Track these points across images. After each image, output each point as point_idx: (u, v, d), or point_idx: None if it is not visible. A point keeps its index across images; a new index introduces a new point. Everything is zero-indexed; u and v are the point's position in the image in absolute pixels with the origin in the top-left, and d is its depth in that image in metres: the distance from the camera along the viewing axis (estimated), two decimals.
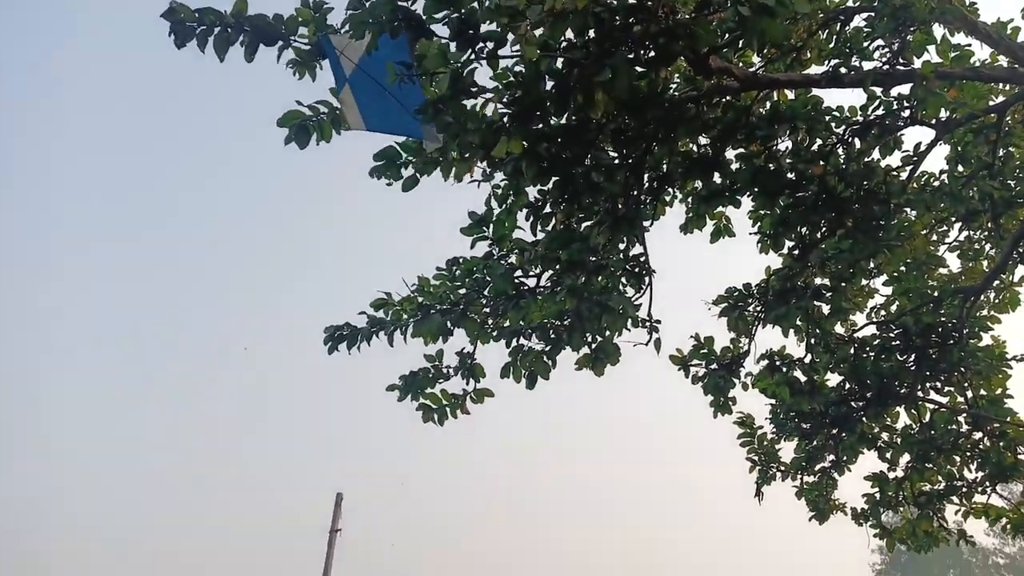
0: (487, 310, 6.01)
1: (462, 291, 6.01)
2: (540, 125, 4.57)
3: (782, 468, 8.18)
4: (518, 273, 5.86)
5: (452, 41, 3.88)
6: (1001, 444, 7.44)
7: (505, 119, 4.28)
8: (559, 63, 4.08)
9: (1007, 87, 6.53)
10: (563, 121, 4.78)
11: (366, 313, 5.98)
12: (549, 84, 4.15)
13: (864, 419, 7.60)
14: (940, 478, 8.01)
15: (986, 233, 7.69)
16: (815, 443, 7.90)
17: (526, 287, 5.88)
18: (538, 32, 3.55)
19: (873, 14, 5.88)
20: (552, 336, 5.74)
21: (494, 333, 5.97)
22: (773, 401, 7.44)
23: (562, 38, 4.26)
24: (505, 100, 4.25)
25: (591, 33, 4.25)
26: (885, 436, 7.96)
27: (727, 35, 4.97)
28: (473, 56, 3.93)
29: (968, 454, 7.74)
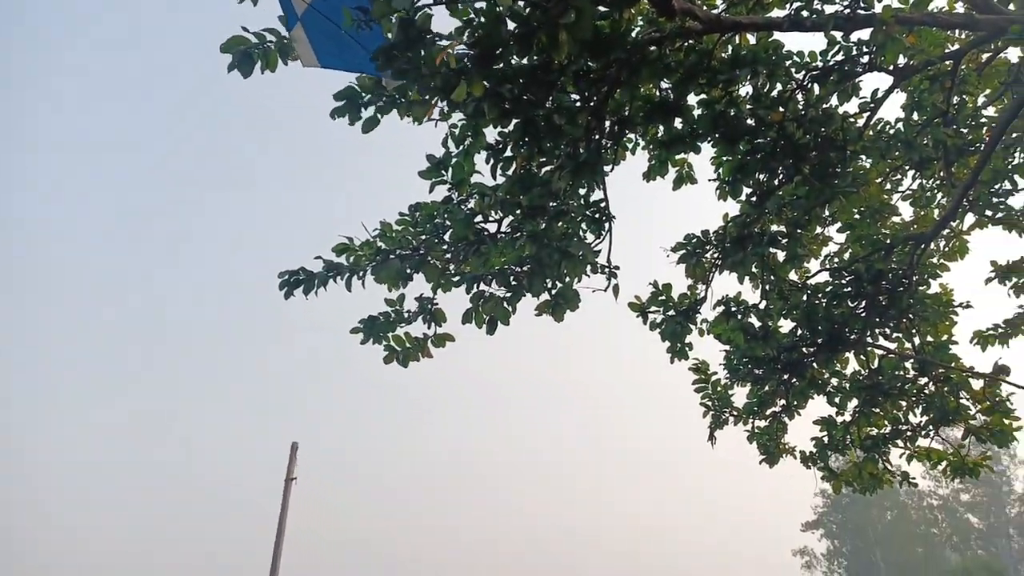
0: (448, 256, 5.93)
1: (423, 236, 5.92)
2: (501, 66, 4.47)
3: (735, 413, 8.35)
4: (478, 218, 5.79)
5: None
6: (945, 389, 7.67)
7: (465, 60, 4.17)
8: (521, 4, 3.96)
9: (963, 35, 6.59)
10: (524, 62, 4.68)
11: (322, 258, 5.86)
12: (511, 25, 4.04)
13: (815, 365, 7.76)
14: (886, 422, 8.25)
15: (938, 182, 7.83)
16: (767, 388, 8.05)
17: (487, 232, 5.82)
18: None
19: None
20: (513, 282, 5.69)
21: (455, 279, 5.91)
22: (728, 348, 7.54)
23: None
24: (465, 41, 4.13)
25: None
26: (835, 381, 8.14)
27: None
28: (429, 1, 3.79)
29: (914, 399, 7.96)
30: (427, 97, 4.39)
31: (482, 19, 4.26)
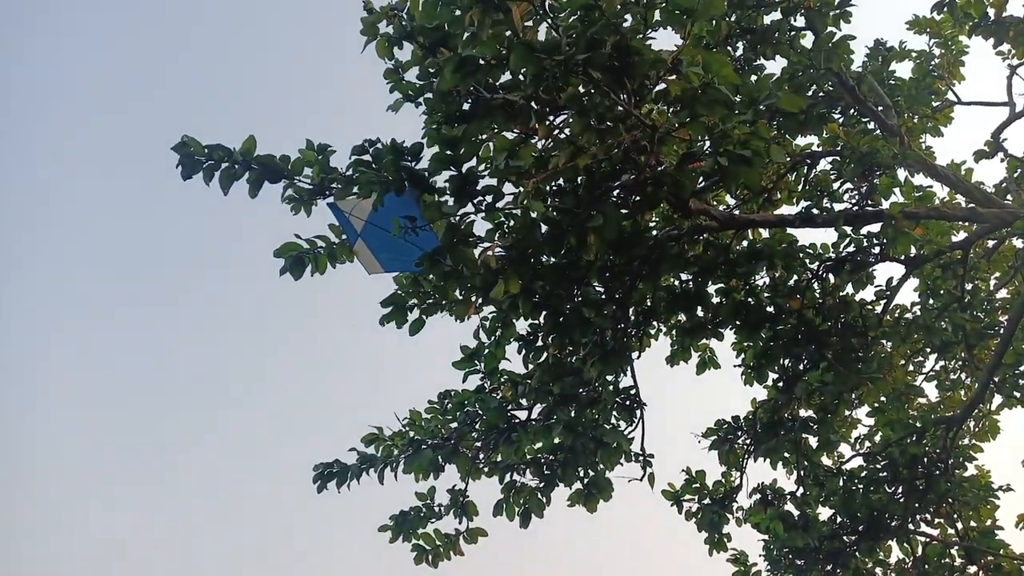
0: (479, 444, 5.99)
1: (453, 425, 6.01)
2: (533, 263, 4.79)
3: None
4: (509, 406, 5.90)
5: (452, 196, 4.12)
6: None
7: (501, 261, 4.49)
8: (552, 211, 4.32)
9: (968, 225, 6.94)
10: (554, 261, 5.00)
11: (356, 449, 5.94)
12: (543, 228, 4.38)
13: (857, 554, 7.50)
14: None
15: (961, 363, 7.91)
16: None
17: (518, 420, 5.91)
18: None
19: (839, 158, 6.32)
20: (546, 472, 5.71)
21: (486, 469, 5.93)
22: (766, 537, 7.33)
23: (552, 185, 4.56)
24: (500, 244, 4.47)
25: (580, 181, 4.55)
26: (879, 571, 7.82)
27: (705, 180, 5.31)
28: (471, 208, 4.17)
29: None
30: (467, 296, 4.68)
31: (515, 223, 4.63)
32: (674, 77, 3.90)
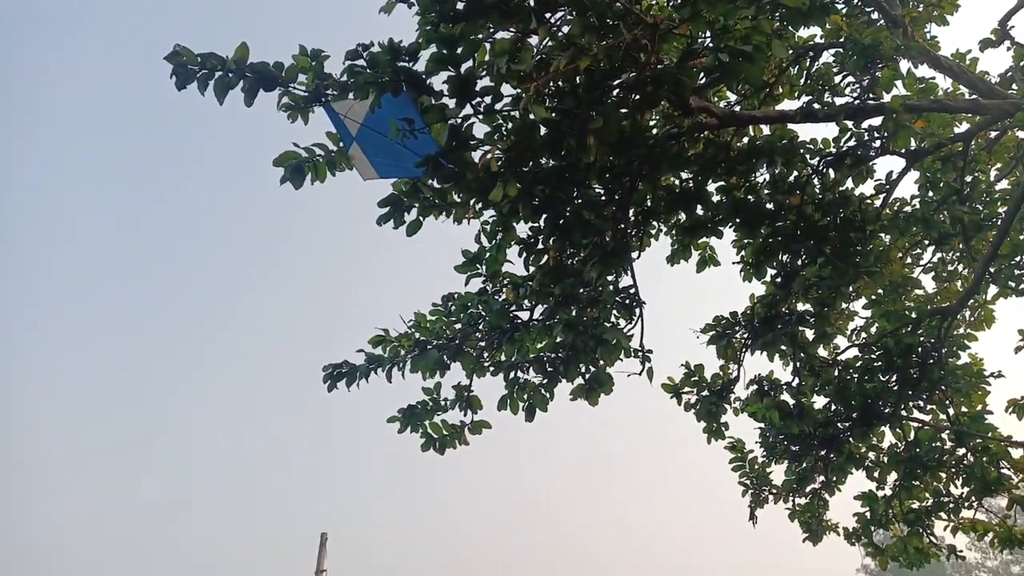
0: (483, 344, 6.15)
1: (458, 326, 6.15)
2: (532, 167, 4.79)
3: (774, 491, 8.32)
4: (512, 308, 6.03)
5: (451, 97, 4.08)
6: (984, 459, 7.62)
7: (500, 164, 4.49)
8: (551, 113, 4.29)
9: (970, 117, 6.86)
10: (553, 163, 4.99)
11: (364, 351, 6.10)
12: (542, 130, 4.36)
13: (851, 439, 7.77)
14: (927, 495, 8.17)
15: (958, 255, 7.98)
16: (804, 465, 8.04)
17: (520, 321, 6.04)
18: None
19: (841, 51, 6.20)
20: (549, 369, 5.88)
21: (490, 367, 6.11)
22: (762, 425, 7.59)
23: (551, 87, 4.50)
24: (499, 147, 4.46)
25: (579, 81, 4.49)
26: (872, 456, 8.12)
27: (706, 77, 5.23)
28: (471, 110, 4.13)
29: (953, 470, 7.90)
30: (466, 199, 4.70)
31: (514, 126, 4.60)
32: None
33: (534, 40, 4.48)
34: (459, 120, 4.13)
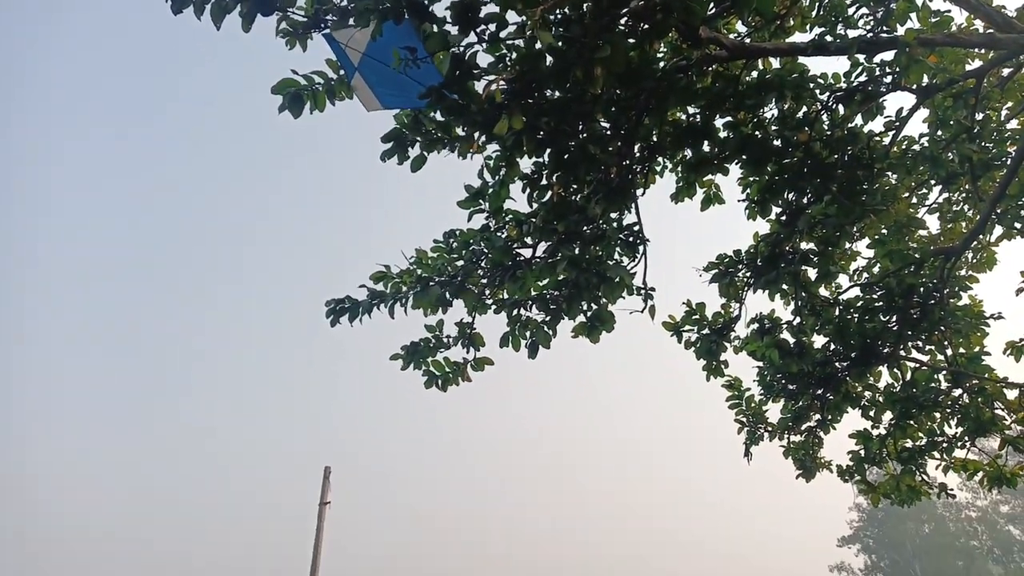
0: (484, 281, 6.12)
1: (460, 263, 6.11)
2: (537, 99, 4.68)
3: (769, 428, 8.41)
4: (515, 244, 5.97)
5: (454, 25, 3.95)
6: (979, 400, 7.69)
7: (504, 95, 4.38)
8: (558, 41, 4.16)
9: (983, 52, 6.70)
10: (559, 95, 4.88)
11: (366, 286, 6.07)
12: (548, 60, 4.24)
13: (848, 379, 7.82)
14: (921, 434, 8.27)
15: (965, 195, 7.90)
16: (801, 403, 8.12)
17: (523, 258, 6.00)
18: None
19: None
20: (551, 306, 5.86)
21: (492, 305, 6.09)
22: (761, 364, 7.63)
23: (557, 14, 4.36)
24: (504, 78, 4.34)
25: (585, 8, 4.36)
26: (868, 395, 8.19)
27: (716, 6, 5.08)
28: (475, 38, 4.01)
29: (948, 410, 7.98)
30: (470, 132, 4.61)
31: (517, 55, 4.48)
32: None
33: None
34: (462, 49, 4.01)
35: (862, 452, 8.45)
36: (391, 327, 6.04)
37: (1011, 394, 7.64)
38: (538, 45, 4.09)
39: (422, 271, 6.15)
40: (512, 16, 4.22)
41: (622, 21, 4.46)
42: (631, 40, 4.71)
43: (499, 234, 6.05)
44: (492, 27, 4.01)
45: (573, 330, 6.12)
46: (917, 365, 7.96)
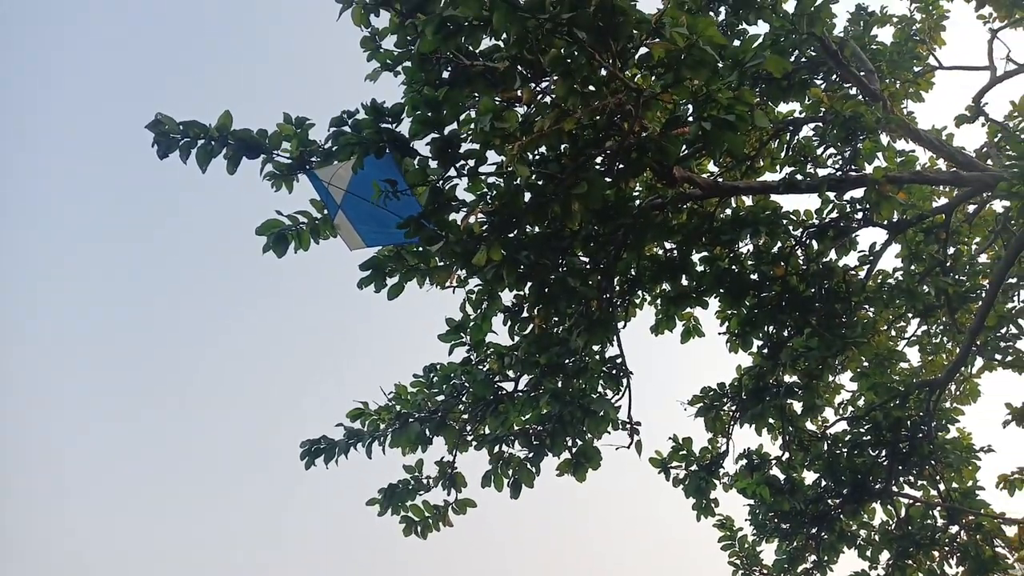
0: (466, 417, 5.98)
1: (440, 398, 5.99)
2: (517, 233, 4.74)
3: (764, 571, 8.06)
4: (496, 378, 5.89)
5: (435, 159, 4.05)
6: (978, 537, 7.45)
7: (484, 228, 4.44)
8: (536, 178, 4.27)
9: (950, 189, 6.96)
10: (538, 230, 4.96)
11: (343, 425, 5.91)
12: (527, 196, 4.33)
13: (842, 517, 7.59)
14: (922, 575, 7.95)
15: (943, 327, 7.97)
16: (796, 544, 7.81)
17: (504, 392, 5.89)
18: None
19: (822, 124, 6.30)
20: (535, 442, 5.71)
21: (474, 441, 5.92)
22: (752, 502, 7.40)
23: (536, 153, 4.50)
24: (483, 211, 4.42)
25: (564, 148, 4.50)
26: (864, 533, 7.92)
27: (689, 147, 5.27)
28: (454, 172, 4.10)
29: (947, 548, 7.71)
30: (448, 263, 4.63)
31: (499, 191, 4.58)
32: (658, 40, 3.84)
33: (520, 110, 4.50)
34: (441, 182, 4.10)
35: None
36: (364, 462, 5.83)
37: (1010, 531, 7.41)
38: (517, 181, 4.18)
39: (401, 407, 6.00)
40: (492, 156, 4.36)
41: (598, 160, 4.60)
42: (608, 179, 4.85)
43: (480, 367, 5.98)
44: (471, 163, 4.11)
45: (558, 467, 5.92)
46: (911, 501, 7.76)
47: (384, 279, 4.92)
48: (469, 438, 6.02)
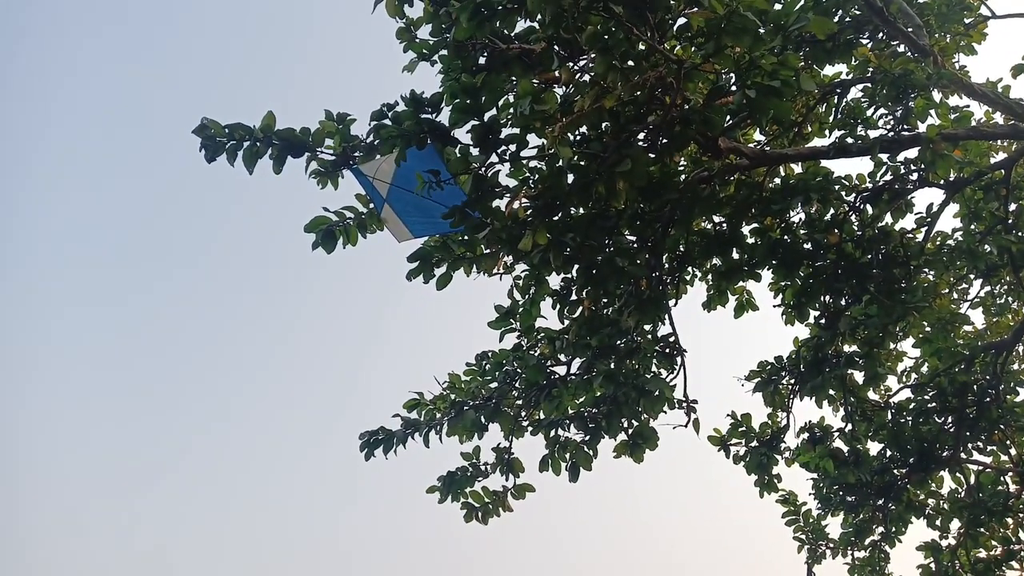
0: (520, 402, 5.98)
1: (493, 385, 6.00)
2: (562, 216, 4.70)
3: (831, 545, 7.93)
4: (548, 363, 5.87)
5: (476, 147, 4.03)
6: None
7: (528, 212, 4.41)
8: (578, 158, 4.22)
9: (1008, 144, 6.69)
10: (583, 211, 4.90)
11: (400, 415, 5.96)
12: (571, 178, 4.28)
13: (909, 487, 7.43)
14: (995, 543, 7.73)
15: (1007, 287, 7.70)
16: (862, 516, 7.68)
17: (557, 376, 5.88)
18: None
19: (870, 84, 6.10)
20: (590, 425, 5.68)
21: (529, 426, 5.93)
22: (816, 475, 7.27)
23: (577, 133, 4.45)
24: (527, 196, 4.39)
25: (605, 126, 4.43)
26: (933, 503, 7.75)
27: (733, 117, 5.15)
28: (496, 159, 4.08)
29: (1021, 515, 7.50)
30: (495, 250, 4.61)
31: (541, 174, 4.54)
32: (696, 9, 3.75)
33: (559, 91, 4.45)
34: (484, 169, 4.08)
35: (932, 566, 7.87)
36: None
37: None
38: (559, 163, 4.13)
39: (456, 396, 6.03)
40: (533, 139, 4.32)
41: (641, 136, 4.52)
42: (651, 154, 4.77)
43: (532, 353, 5.97)
44: (512, 147, 4.08)
45: (615, 449, 5.89)
46: (981, 468, 7.56)
47: (432, 270, 4.93)
48: (524, 423, 6.03)
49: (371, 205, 4.89)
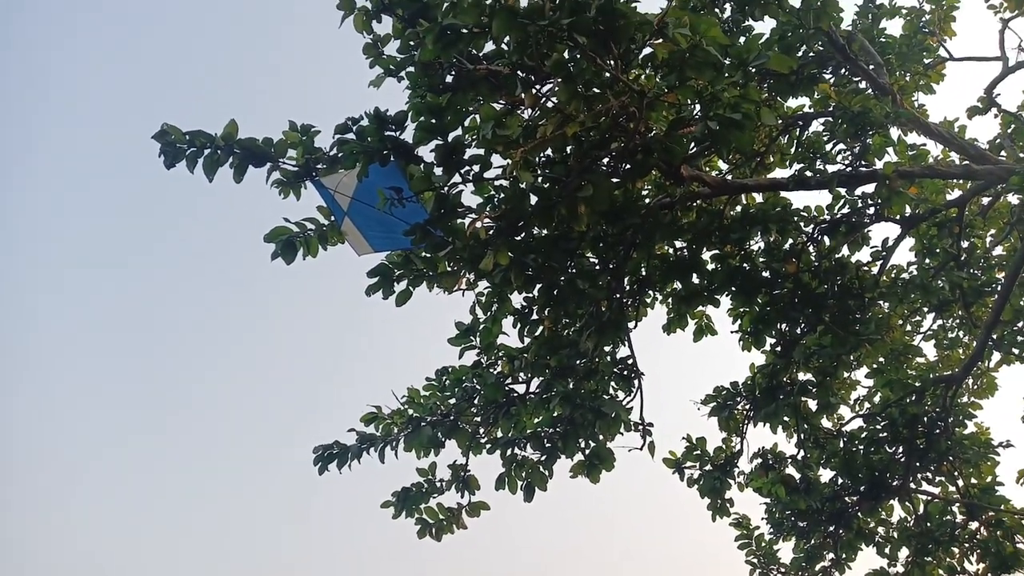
0: (478, 419, 5.98)
1: (452, 401, 5.99)
2: (524, 236, 4.74)
3: (782, 570, 8.00)
4: (508, 380, 5.89)
5: (439, 166, 4.05)
6: (998, 533, 7.37)
7: (490, 232, 4.44)
8: (541, 181, 4.26)
9: (962, 182, 6.89)
10: (545, 232, 4.95)
11: (355, 430, 5.92)
12: (532, 199, 4.32)
13: (859, 514, 7.53)
14: (942, 572, 7.87)
15: (959, 322, 7.89)
16: (813, 542, 7.76)
17: (516, 394, 5.89)
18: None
19: (831, 119, 6.25)
20: (547, 444, 5.70)
21: (487, 444, 5.93)
22: (768, 500, 7.36)
23: (541, 156, 4.49)
24: (490, 216, 4.42)
25: (568, 150, 4.49)
26: (882, 531, 7.86)
27: (696, 145, 5.24)
28: (459, 178, 4.11)
29: (967, 545, 7.63)
30: (456, 268, 4.63)
31: (504, 195, 4.57)
32: (661, 41, 3.82)
33: (522, 111, 4.49)
34: (446, 188, 4.10)
35: None
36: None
37: None
38: (522, 185, 4.17)
39: (413, 411, 6.01)
40: (497, 160, 4.35)
41: (604, 161, 4.58)
42: (614, 180, 4.84)
43: (491, 370, 5.98)
44: (476, 168, 4.11)
45: (572, 469, 5.91)
46: (929, 498, 7.69)
47: (392, 285, 4.92)
48: (482, 441, 6.02)
49: (332, 217, 4.88)
